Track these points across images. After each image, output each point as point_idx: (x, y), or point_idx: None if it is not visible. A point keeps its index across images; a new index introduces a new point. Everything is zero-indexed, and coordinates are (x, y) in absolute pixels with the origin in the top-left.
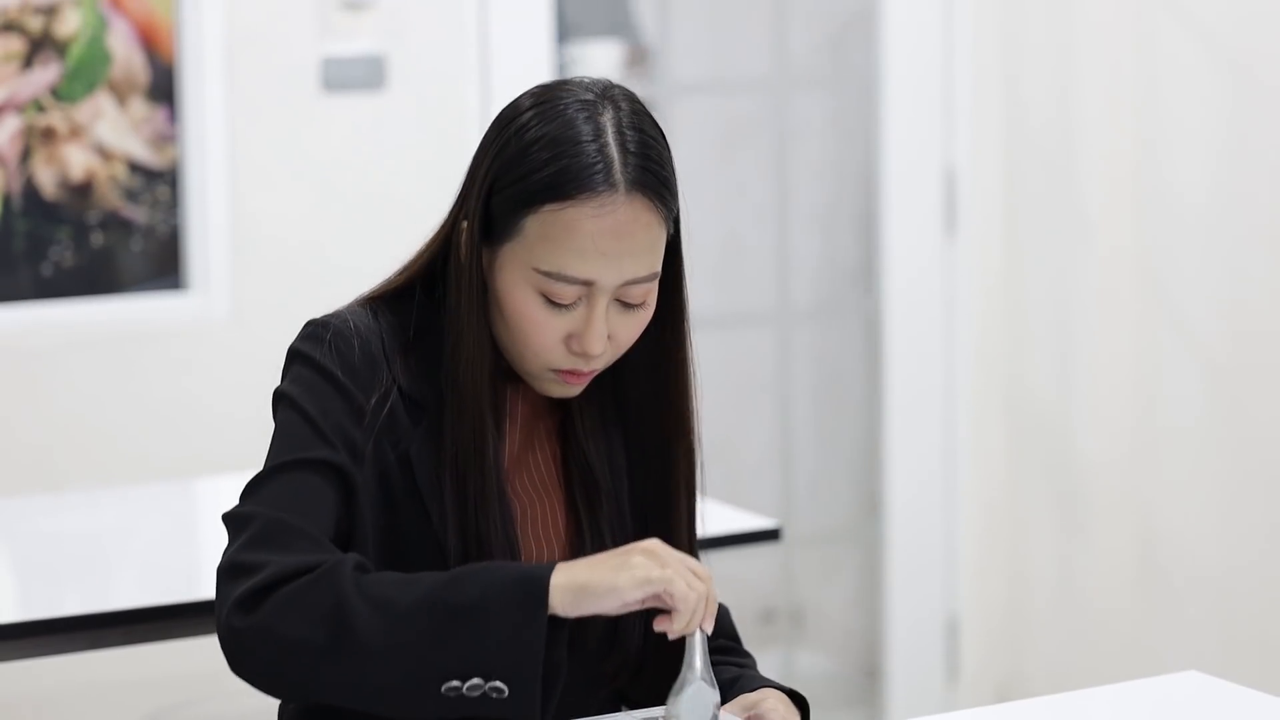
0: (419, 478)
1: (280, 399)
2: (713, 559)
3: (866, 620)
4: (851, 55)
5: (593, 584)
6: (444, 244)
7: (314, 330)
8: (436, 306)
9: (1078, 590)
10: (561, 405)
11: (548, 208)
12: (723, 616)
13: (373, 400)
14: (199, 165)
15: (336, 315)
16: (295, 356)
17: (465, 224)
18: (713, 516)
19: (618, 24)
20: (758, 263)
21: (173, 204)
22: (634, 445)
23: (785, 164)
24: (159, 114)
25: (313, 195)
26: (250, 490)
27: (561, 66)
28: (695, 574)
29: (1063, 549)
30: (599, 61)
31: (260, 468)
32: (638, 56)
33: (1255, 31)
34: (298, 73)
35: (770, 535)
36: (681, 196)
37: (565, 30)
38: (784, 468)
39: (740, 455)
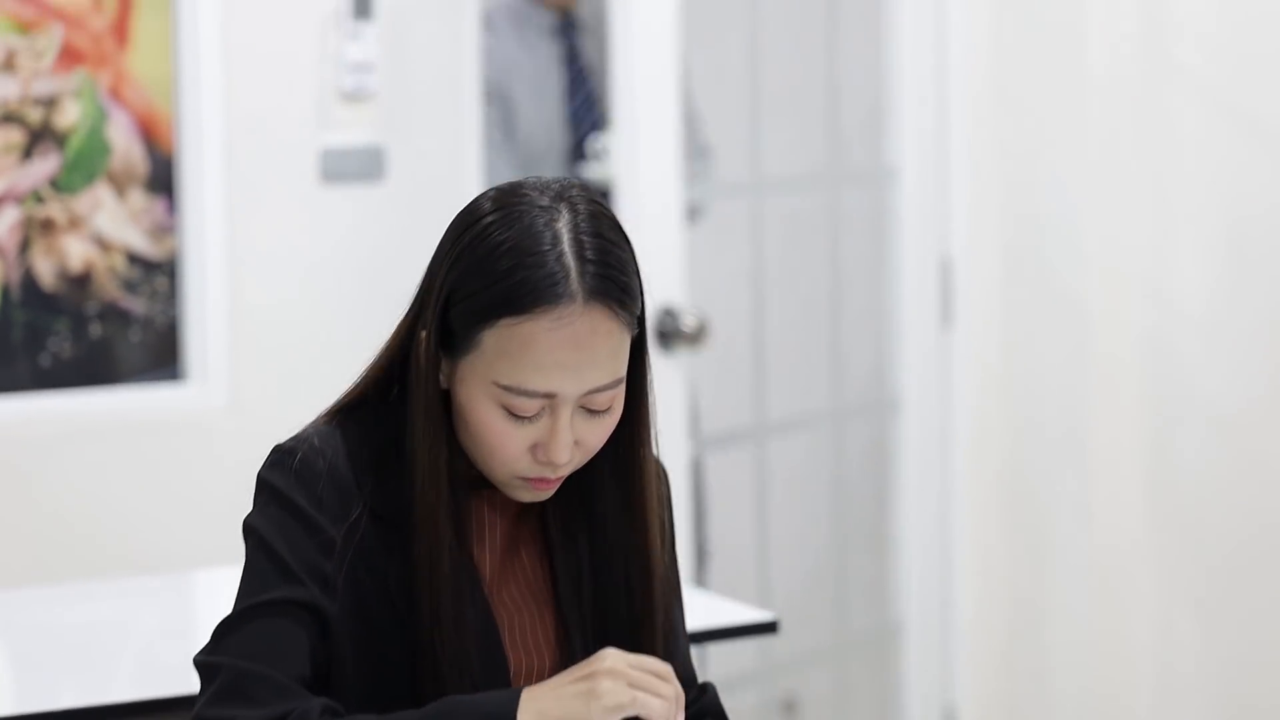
0: (395, 600)
1: (249, 533)
2: (711, 651)
3: (870, 711)
4: (853, 151)
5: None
6: (401, 349)
7: (280, 458)
8: (400, 418)
9: (1082, 682)
10: (537, 509)
11: (504, 322)
12: (711, 696)
13: (342, 529)
14: (198, 256)
15: (302, 439)
16: (263, 487)
17: (423, 334)
18: (709, 610)
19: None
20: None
21: (171, 295)
22: (600, 547)
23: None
24: (158, 205)
25: (311, 286)
26: (219, 635)
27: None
28: (660, 677)
29: (1065, 640)
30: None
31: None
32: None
33: (1257, 122)
34: (297, 163)
35: (767, 628)
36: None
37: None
38: (789, 562)
39: (746, 551)
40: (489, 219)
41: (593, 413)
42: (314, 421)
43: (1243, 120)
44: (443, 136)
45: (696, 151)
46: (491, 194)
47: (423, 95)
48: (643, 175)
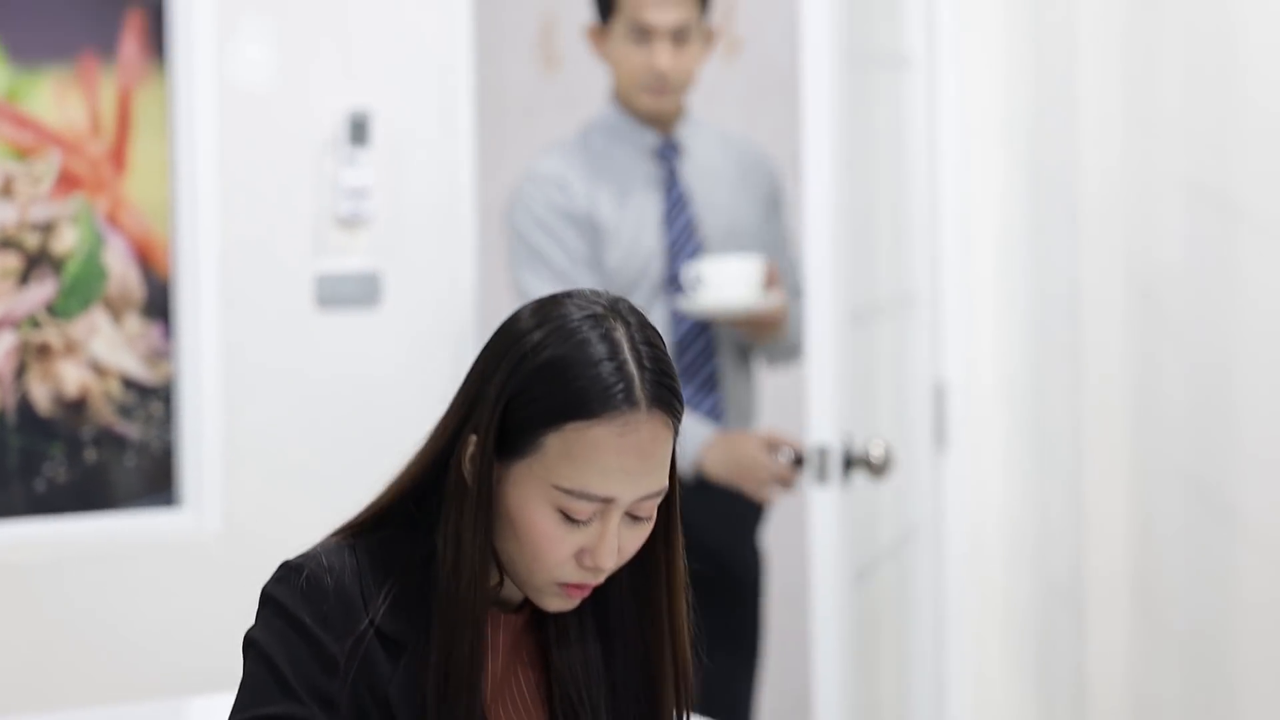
0: (397, 718)
1: (250, 646)
2: None
3: None
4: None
5: None
6: (439, 458)
7: (286, 574)
8: (423, 533)
9: None
10: (538, 624)
11: (571, 426)
12: None
13: (347, 647)
14: (193, 381)
15: (310, 556)
16: (267, 601)
17: (475, 438)
18: None
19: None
20: None
21: (166, 420)
22: (618, 657)
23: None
24: (154, 330)
25: (307, 412)
26: None
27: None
28: None
29: None
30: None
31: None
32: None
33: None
34: (293, 289)
35: None
36: None
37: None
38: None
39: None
40: (544, 328)
41: (635, 520)
42: (323, 540)
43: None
44: (439, 262)
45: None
46: (536, 305)
47: (419, 221)
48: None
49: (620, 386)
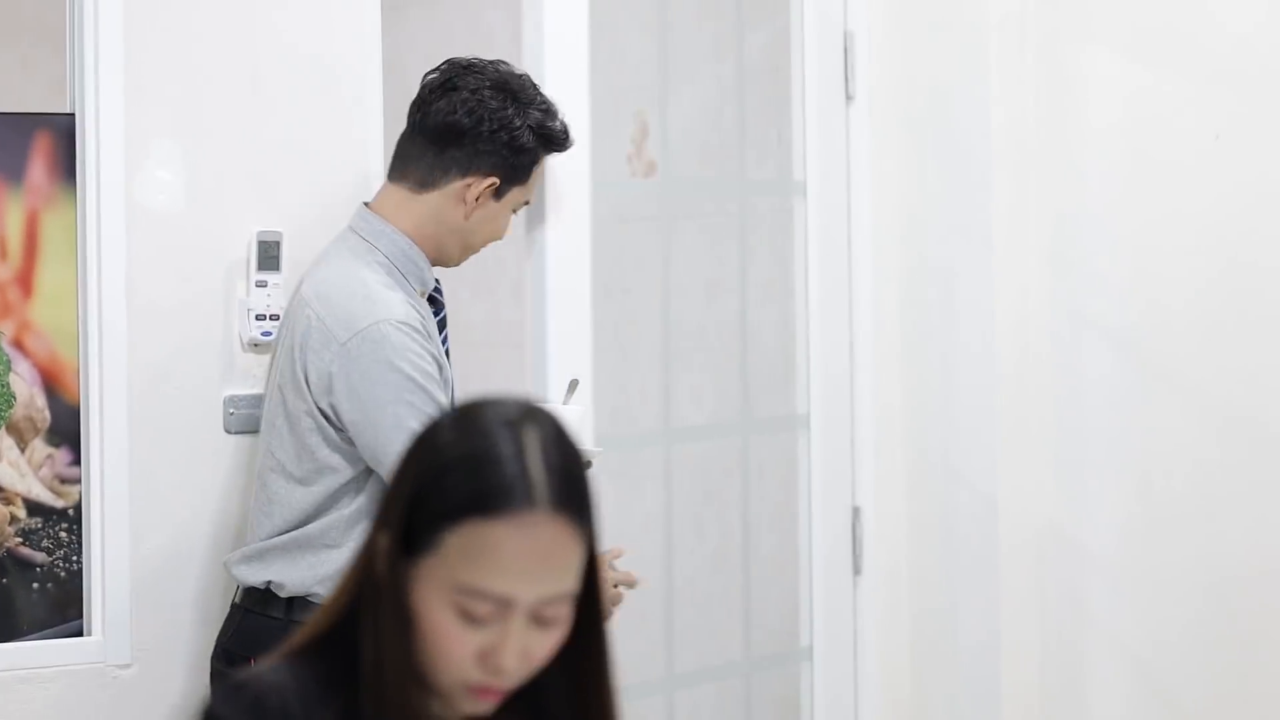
0: None
1: None
2: None
3: None
4: (764, 395)
5: None
6: (364, 566)
7: (231, 694)
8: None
9: None
10: None
11: (469, 523)
12: None
13: None
14: (99, 507)
15: (255, 676)
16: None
17: (384, 537)
18: None
19: None
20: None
21: (74, 545)
22: None
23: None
24: (60, 454)
25: (215, 537)
26: None
27: None
28: None
29: None
30: None
31: None
32: None
33: (1165, 377)
34: (202, 413)
35: None
36: None
37: None
38: None
39: None
40: (456, 429)
41: (541, 624)
42: (267, 661)
43: (1151, 365)
44: None
45: None
46: (457, 407)
47: None
48: None
49: (520, 484)
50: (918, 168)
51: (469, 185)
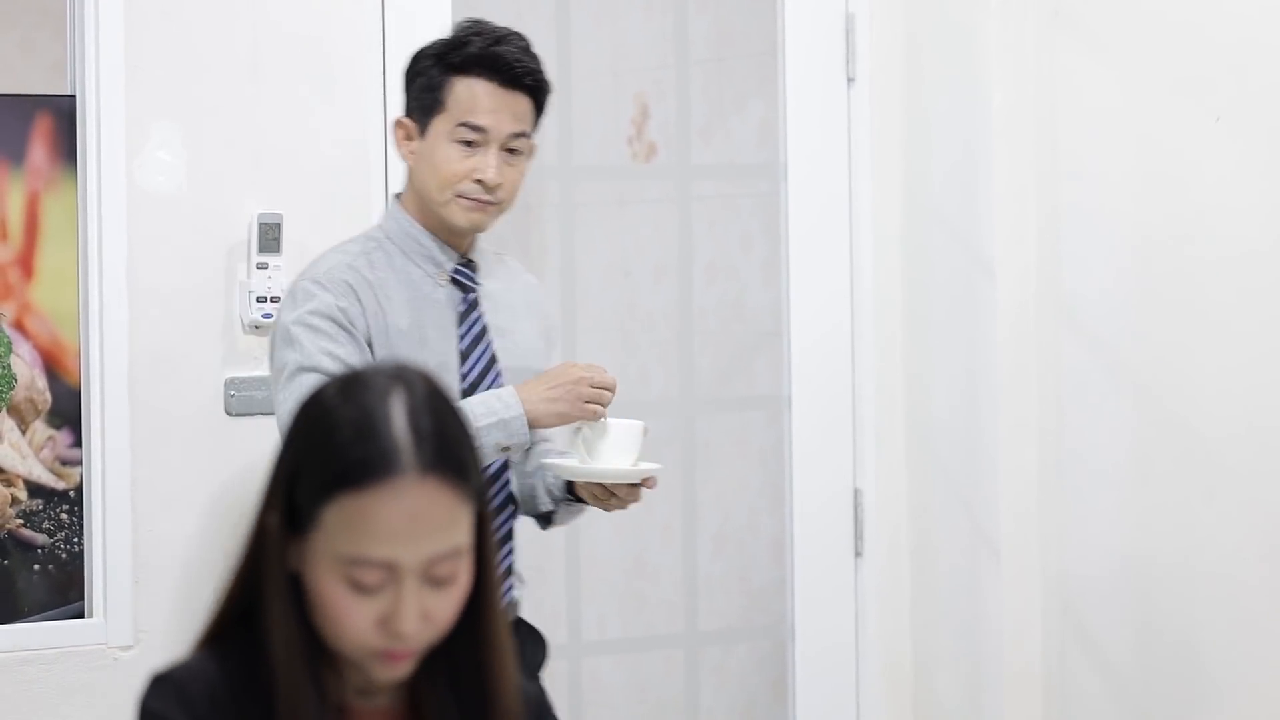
0: None
1: None
2: None
3: None
4: (758, 375)
5: None
6: (255, 547)
7: (157, 685)
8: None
9: None
10: (408, 699)
11: (343, 496)
12: None
13: None
14: (101, 489)
15: (180, 666)
16: (145, 715)
17: (268, 516)
18: None
19: None
20: (667, 584)
21: (75, 527)
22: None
23: (693, 485)
24: (62, 436)
25: (216, 519)
26: None
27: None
28: None
29: None
30: None
31: None
32: None
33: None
34: (202, 396)
35: None
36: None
37: None
38: None
39: None
40: (329, 401)
41: (437, 584)
42: (191, 649)
43: (1145, 349)
44: None
45: None
46: (335, 380)
47: None
48: None
49: (388, 454)
50: (918, 152)
51: (396, 135)
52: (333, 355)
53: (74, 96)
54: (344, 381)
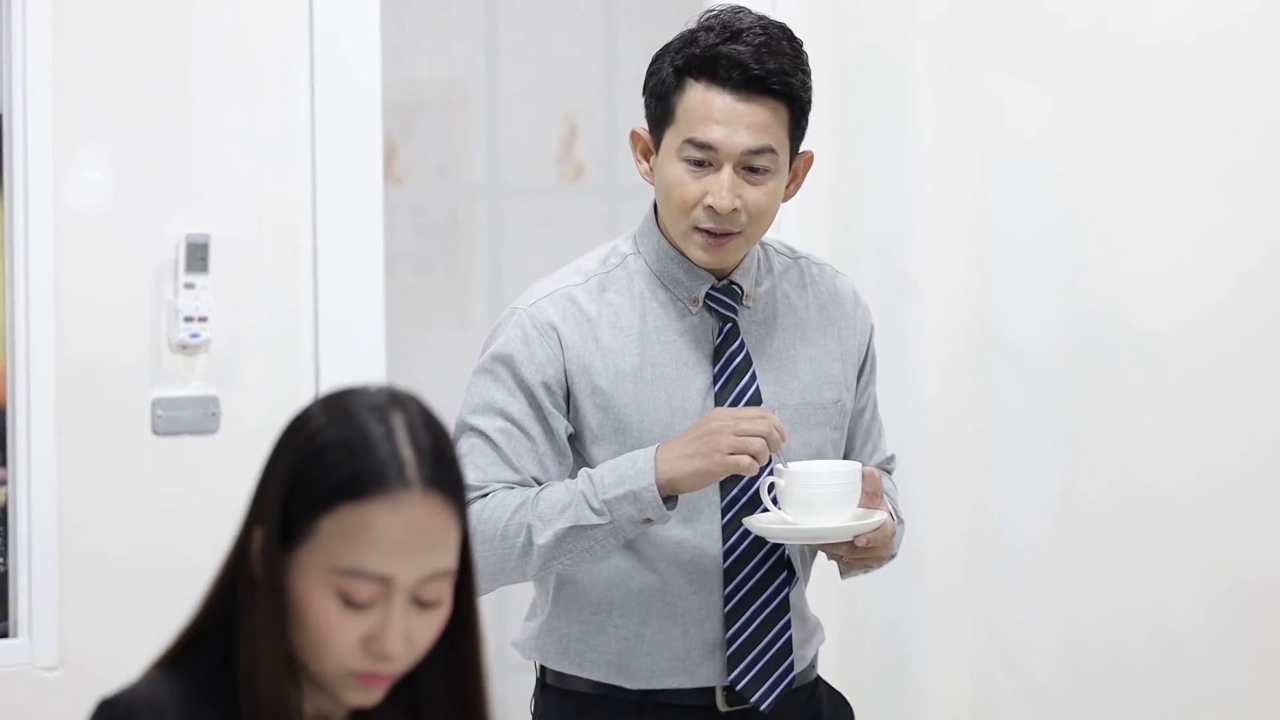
0: None
1: None
2: None
3: None
4: None
5: None
6: (234, 568)
7: (105, 712)
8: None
9: None
10: None
11: (344, 507)
12: None
13: None
14: (26, 508)
15: (128, 691)
16: None
17: (260, 531)
18: None
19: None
20: None
21: (0, 547)
22: None
23: None
24: None
25: (142, 539)
26: None
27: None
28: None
29: None
30: None
31: None
32: None
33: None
34: (129, 415)
35: None
36: None
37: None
38: None
39: None
40: (324, 417)
41: (423, 606)
42: (144, 672)
43: (1071, 370)
44: (277, 388)
45: None
46: (324, 397)
47: (257, 346)
48: None
49: (391, 465)
50: (846, 172)
51: (631, 148)
52: (496, 409)
53: (0, 115)
54: (335, 402)
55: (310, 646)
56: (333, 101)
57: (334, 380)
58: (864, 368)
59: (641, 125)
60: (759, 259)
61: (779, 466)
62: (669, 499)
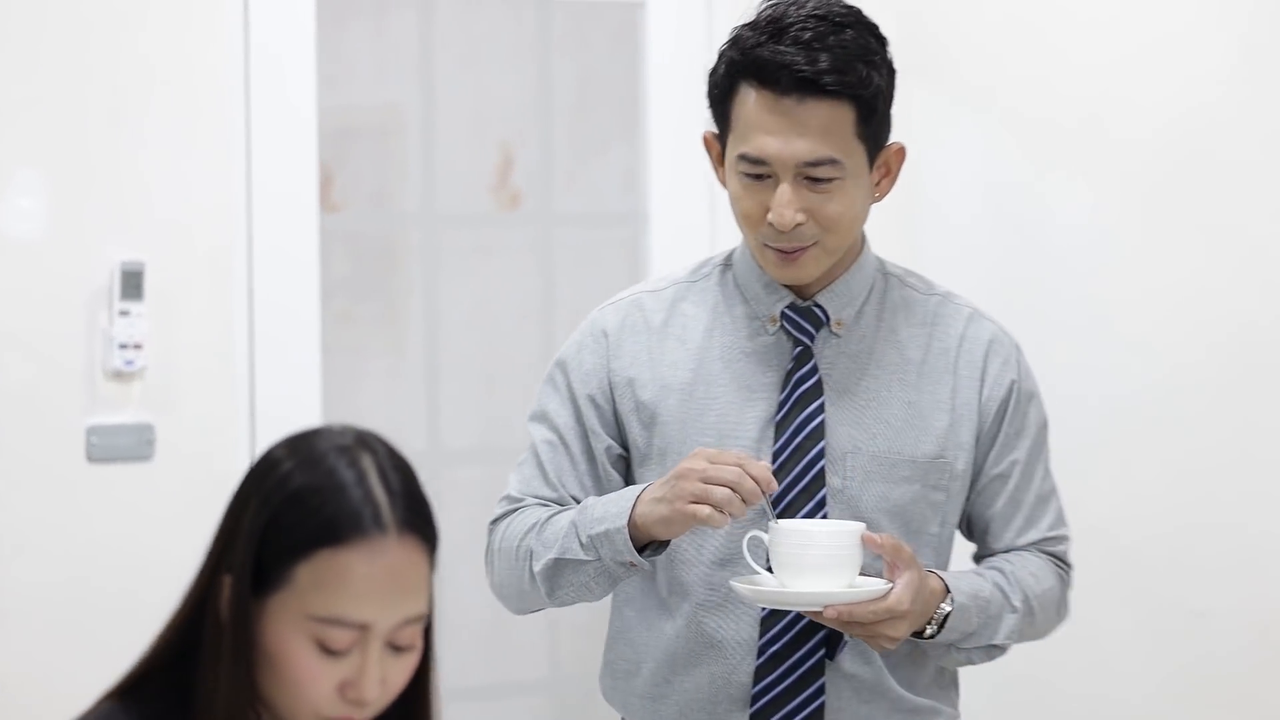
0: None
1: None
2: None
3: None
4: None
5: None
6: (197, 608)
7: None
8: (194, 688)
9: None
10: None
11: (320, 553)
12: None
13: None
14: None
15: (83, 718)
16: None
17: (230, 578)
18: None
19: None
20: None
21: None
22: None
23: None
24: None
25: (76, 569)
26: None
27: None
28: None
29: None
30: None
31: None
32: None
33: None
34: (63, 442)
35: None
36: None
37: None
38: None
39: None
40: (292, 461)
41: (397, 651)
42: (96, 704)
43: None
44: (212, 415)
45: None
46: (287, 441)
47: (192, 373)
48: None
49: (367, 511)
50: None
51: (708, 152)
52: (548, 418)
53: None
54: (302, 445)
55: (283, 692)
56: (268, 128)
57: (269, 407)
58: (999, 430)
59: (713, 129)
60: (872, 287)
61: (771, 523)
62: (652, 544)
